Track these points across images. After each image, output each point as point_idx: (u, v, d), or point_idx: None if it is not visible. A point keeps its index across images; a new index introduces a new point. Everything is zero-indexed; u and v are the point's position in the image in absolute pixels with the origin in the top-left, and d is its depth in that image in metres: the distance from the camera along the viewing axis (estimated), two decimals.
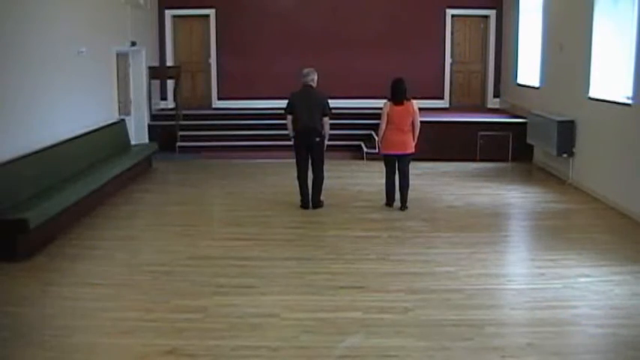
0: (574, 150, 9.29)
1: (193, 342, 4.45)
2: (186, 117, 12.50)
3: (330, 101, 8.03)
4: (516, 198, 8.81)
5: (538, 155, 10.89)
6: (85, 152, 8.62)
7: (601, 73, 8.62)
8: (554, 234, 7.05)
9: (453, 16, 13.49)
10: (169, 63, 13.43)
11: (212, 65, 13.59)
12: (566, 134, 9.29)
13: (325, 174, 8.13)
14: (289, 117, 7.96)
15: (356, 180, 9.88)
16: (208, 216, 8.28)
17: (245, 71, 13.32)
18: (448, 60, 13.58)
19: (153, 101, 12.56)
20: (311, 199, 8.05)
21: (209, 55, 13.59)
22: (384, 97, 8.07)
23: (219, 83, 13.62)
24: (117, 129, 10.14)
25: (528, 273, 5.99)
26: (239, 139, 12.07)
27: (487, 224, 7.49)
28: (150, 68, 12.34)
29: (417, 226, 7.32)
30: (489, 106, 13.56)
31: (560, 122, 9.35)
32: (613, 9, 8.35)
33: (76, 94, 8.83)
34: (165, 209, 8.39)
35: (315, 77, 7.99)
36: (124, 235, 7.14)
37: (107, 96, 10.21)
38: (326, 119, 7.91)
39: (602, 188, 8.42)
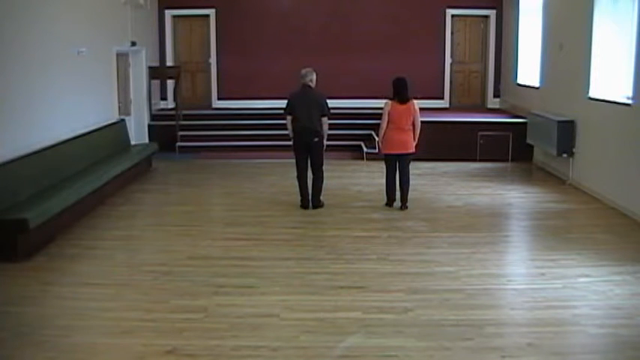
0: (574, 150, 9.29)
1: (193, 342, 4.45)
2: (186, 117, 12.50)
3: (330, 101, 8.03)
4: (516, 198, 8.81)
5: (538, 155, 10.89)
6: (85, 152, 8.62)
7: (601, 73, 8.62)
8: (554, 234, 7.05)
9: (453, 16, 13.50)
10: (169, 63, 13.43)
11: (212, 65, 13.60)
12: (566, 134, 9.29)
13: (325, 174, 8.13)
14: (289, 117, 7.97)
15: (356, 180, 9.88)
16: (208, 216, 8.27)
17: (245, 71, 13.32)
18: (448, 60, 13.58)
19: (153, 101, 12.56)
20: (311, 199, 8.05)
21: (209, 55, 13.59)
22: (385, 97, 8.07)
23: (219, 83, 13.62)
24: (117, 129, 10.15)
25: (528, 273, 5.99)
26: (239, 139, 12.06)
27: (487, 224, 7.49)
28: (150, 68, 12.34)
29: (417, 226, 7.32)
30: (489, 106, 13.57)
31: (560, 122, 9.35)
32: (613, 9, 8.35)
33: (76, 94, 8.83)
34: (165, 209, 8.39)
35: (314, 77, 7.99)
36: (124, 235, 7.14)
37: (107, 96, 10.21)
38: (324, 119, 7.91)
39: (602, 188, 8.43)
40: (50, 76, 8.01)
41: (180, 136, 12.14)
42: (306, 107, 7.84)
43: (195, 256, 6.31)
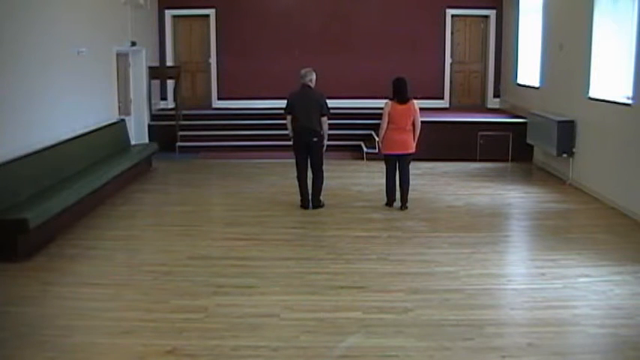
0: (574, 150, 9.29)
1: (193, 342, 4.45)
2: (186, 117, 12.50)
3: (330, 101, 8.03)
4: (516, 198, 8.81)
5: (538, 155, 10.89)
6: (85, 152, 8.62)
7: (601, 73, 8.62)
8: (554, 234, 7.05)
9: (453, 16, 13.50)
10: (169, 63, 13.43)
11: (212, 65, 13.60)
12: (566, 134, 9.29)
13: (325, 174, 8.13)
14: (289, 117, 7.97)
15: (356, 180, 9.88)
16: (208, 216, 8.27)
17: (245, 71, 13.32)
18: (448, 60, 13.59)
19: (153, 101, 12.56)
20: (311, 199, 8.05)
21: (209, 55, 13.59)
22: (385, 97, 8.08)
23: (219, 83, 13.62)
24: (117, 129, 10.14)
25: (528, 273, 5.99)
26: (239, 139, 12.07)
27: (487, 224, 7.49)
28: (150, 68, 12.34)
29: (417, 226, 7.32)
30: (489, 106, 13.57)
31: (560, 122, 9.35)
32: (613, 9, 8.35)
33: (76, 94, 8.83)
34: (165, 209, 8.39)
35: (314, 77, 7.99)
36: (124, 235, 7.14)
37: (107, 96, 10.21)
38: (324, 119, 7.91)
39: (602, 188, 8.43)
40: (50, 76, 8.00)
41: (180, 136, 12.14)
42: (305, 107, 7.84)
43: (195, 256, 6.31)
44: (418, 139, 8.03)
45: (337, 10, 13.39)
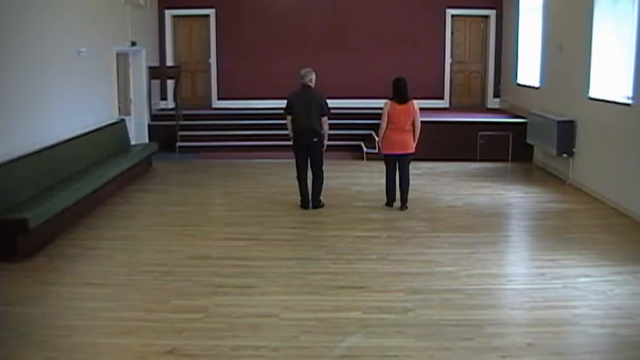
0: (574, 150, 9.29)
1: (193, 342, 4.45)
2: (186, 117, 12.50)
3: (330, 101, 8.03)
4: (516, 198, 8.81)
5: (538, 155, 10.89)
6: (85, 152, 8.62)
7: (601, 73, 8.62)
8: (554, 234, 7.05)
9: (453, 16, 13.51)
10: (169, 63, 13.44)
11: (212, 65, 13.60)
12: (566, 134, 9.29)
13: (325, 174, 8.13)
14: (289, 117, 7.97)
15: (356, 180, 9.88)
16: (208, 216, 8.26)
17: (245, 71, 13.33)
18: (448, 60, 13.59)
19: (153, 101, 12.56)
20: (311, 199, 8.05)
21: (209, 55, 13.60)
22: (385, 97, 8.08)
23: (219, 83, 13.63)
24: (117, 129, 10.14)
25: (528, 273, 5.99)
26: (239, 139, 12.07)
27: (487, 224, 7.49)
28: (150, 68, 12.34)
29: (417, 226, 7.32)
30: (489, 106, 13.57)
31: (560, 122, 9.35)
32: (613, 9, 8.35)
33: (76, 94, 8.83)
34: (165, 209, 8.38)
35: (314, 77, 7.99)
36: (124, 235, 7.14)
37: (107, 96, 10.21)
38: (324, 119, 7.91)
39: (602, 188, 8.43)
40: (50, 76, 8.00)
41: (180, 136, 12.14)
42: (305, 107, 7.84)
43: (195, 256, 6.31)
44: (418, 139, 8.03)
45: (337, 10, 13.40)
